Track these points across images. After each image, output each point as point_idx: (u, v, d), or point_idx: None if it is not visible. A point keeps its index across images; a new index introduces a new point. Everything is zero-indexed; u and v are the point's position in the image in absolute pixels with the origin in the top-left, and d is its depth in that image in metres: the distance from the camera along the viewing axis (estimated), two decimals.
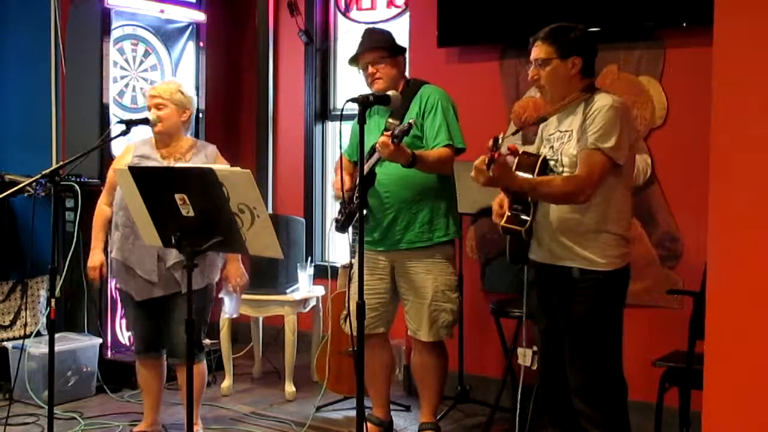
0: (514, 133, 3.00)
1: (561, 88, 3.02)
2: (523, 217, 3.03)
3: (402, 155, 3.50)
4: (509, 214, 3.06)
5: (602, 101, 2.92)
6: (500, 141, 2.77)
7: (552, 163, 3.04)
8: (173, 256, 3.68)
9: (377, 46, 3.77)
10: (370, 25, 3.91)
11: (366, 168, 3.63)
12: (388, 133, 3.46)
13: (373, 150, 3.64)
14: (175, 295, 3.72)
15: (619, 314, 3.08)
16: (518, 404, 3.78)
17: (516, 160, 3.02)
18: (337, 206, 3.93)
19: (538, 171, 3.00)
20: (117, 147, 4.80)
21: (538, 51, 3.02)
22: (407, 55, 3.93)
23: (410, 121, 3.45)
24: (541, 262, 3.11)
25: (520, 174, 2.91)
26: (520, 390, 3.78)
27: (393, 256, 3.80)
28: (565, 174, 2.98)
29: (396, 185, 3.71)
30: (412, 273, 3.76)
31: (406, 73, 3.93)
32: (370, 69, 3.75)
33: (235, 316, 4.69)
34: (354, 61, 3.84)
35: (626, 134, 2.91)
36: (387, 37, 3.84)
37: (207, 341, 4.12)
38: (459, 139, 3.69)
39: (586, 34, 3.04)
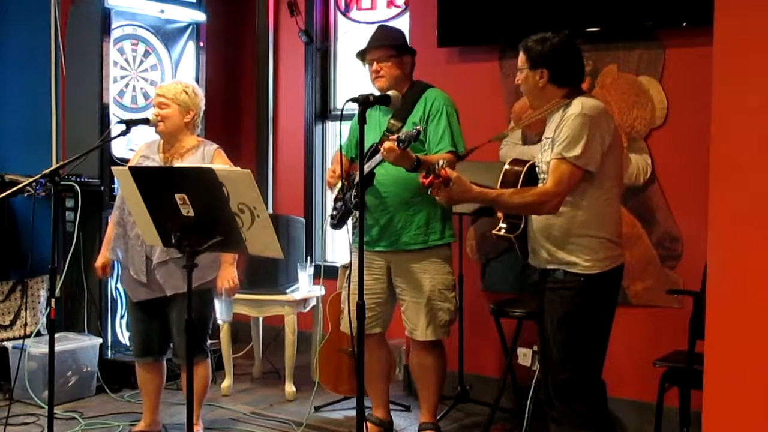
0: (466, 153, 3.14)
1: (534, 97, 3.12)
2: (516, 222, 3.12)
3: (407, 160, 3.48)
4: (503, 224, 3.15)
5: (572, 109, 2.96)
6: (437, 167, 2.80)
7: (537, 170, 3.10)
8: (157, 255, 3.69)
9: (386, 44, 3.76)
10: (383, 23, 3.86)
11: (366, 168, 3.63)
12: (394, 137, 3.43)
13: (374, 150, 3.63)
14: (174, 296, 3.72)
15: (603, 316, 3.08)
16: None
17: (502, 171, 3.13)
18: (335, 204, 3.93)
19: (523, 180, 3.06)
20: (117, 147, 4.83)
21: (519, 59, 3.13)
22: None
23: (418, 127, 3.41)
24: (535, 266, 3.17)
25: (477, 189, 2.93)
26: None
27: (389, 256, 3.80)
28: (543, 180, 3.03)
29: (395, 185, 3.71)
30: (409, 272, 3.76)
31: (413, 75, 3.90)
32: (375, 66, 3.74)
33: (227, 320, 4.70)
34: (361, 55, 3.84)
35: (597, 141, 2.92)
36: (397, 35, 3.83)
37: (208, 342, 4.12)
38: (462, 146, 3.68)
39: (556, 46, 3.05)
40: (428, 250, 3.75)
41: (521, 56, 3.10)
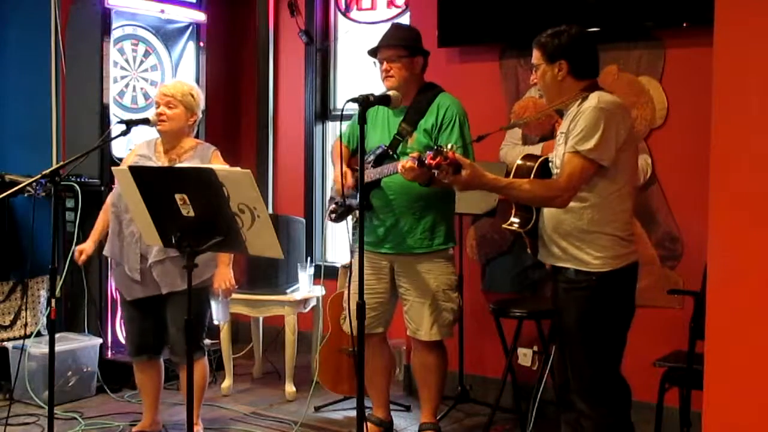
0: (477, 139, 3.09)
1: (552, 92, 3.07)
2: (528, 216, 3.08)
3: (423, 177, 3.45)
4: (515, 218, 3.11)
5: (588, 102, 2.92)
6: (446, 149, 2.80)
7: (551, 165, 3.06)
8: (154, 254, 3.68)
9: (398, 44, 3.73)
10: (398, 22, 3.81)
11: (375, 175, 3.66)
12: (415, 155, 3.28)
13: (383, 153, 3.65)
14: (170, 294, 3.72)
15: (618, 315, 3.03)
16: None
17: (515, 166, 3.09)
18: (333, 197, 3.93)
19: (535, 173, 3.02)
20: (117, 147, 4.83)
21: (533, 56, 3.08)
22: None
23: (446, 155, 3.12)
24: (546, 262, 3.13)
25: (490, 176, 2.93)
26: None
27: (393, 257, 3.80)
28: (557, 176, 2.99)
29: (401, 190, 3.69)
30: (414, 273, 3.76)
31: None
32: (385, 65, 3.72)
33: (223, 322, 4.67)
34: (372, 53, 3.82)
35: (612, 135, 2.88)
36: (410, 36, 3.79)
37: (207, 341, 4.12)
38: (472, 156, 3.64)
39: (575, 36, 3.02)
40: (432, 253, 3.76)
41: (535, 53, 3.05)
